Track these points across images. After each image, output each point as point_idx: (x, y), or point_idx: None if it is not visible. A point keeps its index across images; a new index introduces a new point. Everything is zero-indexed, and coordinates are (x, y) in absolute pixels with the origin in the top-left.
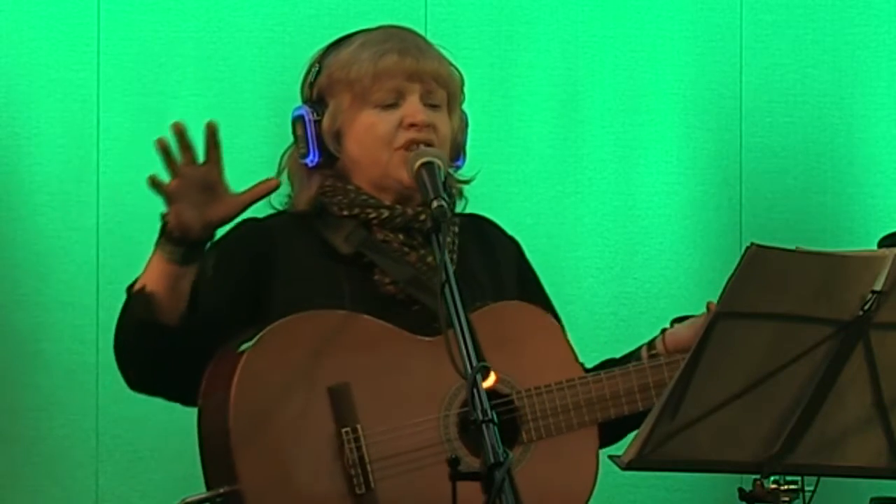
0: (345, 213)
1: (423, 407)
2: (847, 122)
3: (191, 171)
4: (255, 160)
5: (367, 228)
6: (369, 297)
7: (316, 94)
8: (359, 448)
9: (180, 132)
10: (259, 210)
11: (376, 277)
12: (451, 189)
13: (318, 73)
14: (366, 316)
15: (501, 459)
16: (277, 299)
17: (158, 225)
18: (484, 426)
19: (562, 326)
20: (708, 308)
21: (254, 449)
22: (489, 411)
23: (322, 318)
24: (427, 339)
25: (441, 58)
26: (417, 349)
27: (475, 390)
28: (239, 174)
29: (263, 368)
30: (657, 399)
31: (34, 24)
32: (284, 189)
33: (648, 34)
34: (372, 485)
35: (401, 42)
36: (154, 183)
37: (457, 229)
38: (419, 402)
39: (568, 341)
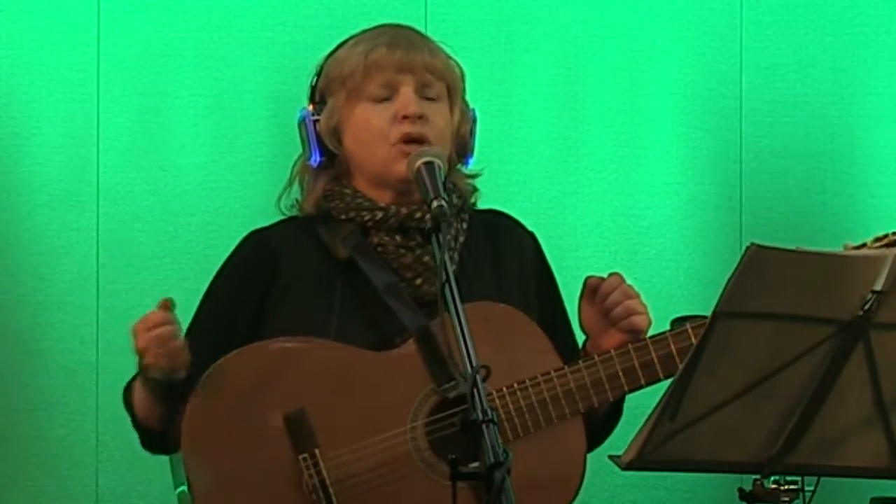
0: (343, 216)
1: (388, 422)
2: (847, 122)
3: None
4: (255, 160)
5: (364, 231)
6: (360, 301)
7: (318, 95)
8: (318, 472)
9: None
10: (269, 215)
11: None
12: (459, 184)
13: (319, 75)
14: (316, 340)
15: (501, 459)
16: (275, 306)
17: (158, 225)
18: (484, 426)
19: (563, 321)
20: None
21: (212, 489)
22: (489, 411)
23: (265, 350)
24: (386, 353)
25: (436, 51)
26: (375, 365)
27: (475, 390)
28: (239, 174)
29: (210, 412)
30: (643, 381)
31: (34, 24)
32: (293, 194)
33: (648, 34)
34: None
35: (392, 37)
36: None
37: (465, 226)
38: (383, 417)
39: (544, 335)
